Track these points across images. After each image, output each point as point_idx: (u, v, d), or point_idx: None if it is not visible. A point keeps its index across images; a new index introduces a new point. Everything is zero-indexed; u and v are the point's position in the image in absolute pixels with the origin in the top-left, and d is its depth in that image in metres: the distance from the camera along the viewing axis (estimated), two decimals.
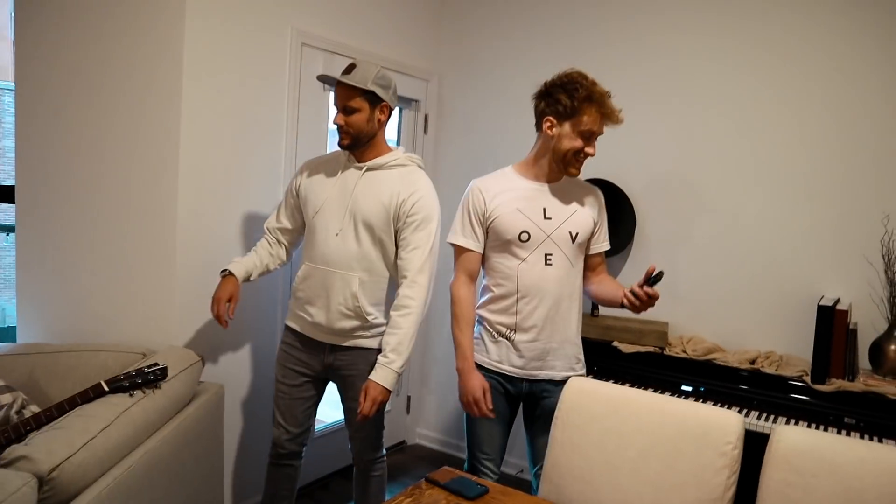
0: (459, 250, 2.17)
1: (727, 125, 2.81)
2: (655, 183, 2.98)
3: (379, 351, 2.12)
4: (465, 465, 2.25)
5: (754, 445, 1.73)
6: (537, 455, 2.20)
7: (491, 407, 2.10)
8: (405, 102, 3.45)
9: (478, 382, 2.10)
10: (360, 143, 2.13)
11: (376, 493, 2.39)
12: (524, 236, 2.09)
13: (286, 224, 2.31)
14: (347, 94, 2.06)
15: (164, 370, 1.97)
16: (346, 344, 2.19)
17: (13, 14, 2.46)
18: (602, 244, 2.27)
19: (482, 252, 2.17)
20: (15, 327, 2.62)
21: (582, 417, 1.77)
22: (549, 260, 2.11)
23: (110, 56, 2.38)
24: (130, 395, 1.88)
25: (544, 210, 2.12)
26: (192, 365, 2.18)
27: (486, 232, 2.14)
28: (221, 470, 2.37)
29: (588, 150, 2.06)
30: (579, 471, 1.73)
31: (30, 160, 2.49)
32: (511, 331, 2.13)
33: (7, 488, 1.34)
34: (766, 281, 2.76)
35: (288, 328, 2.29)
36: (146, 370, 1.93)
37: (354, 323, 2.16)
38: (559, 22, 3.21)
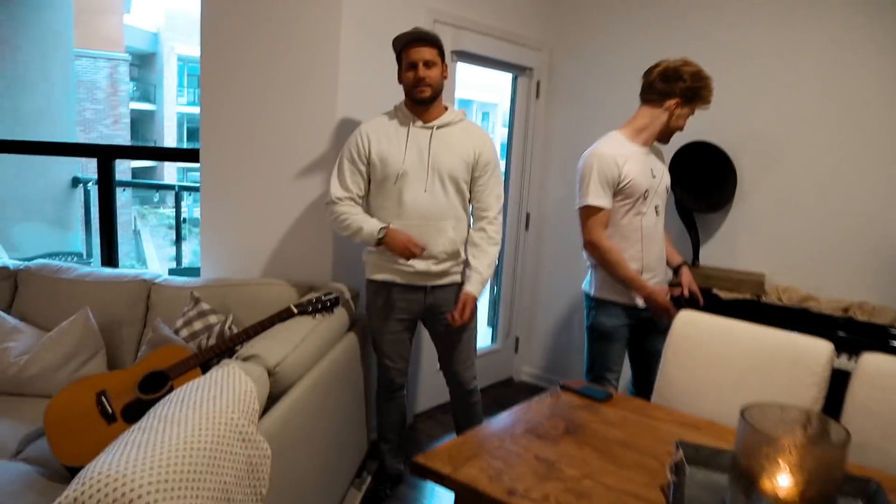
0: (595, 210, 2.47)
1: (823, 90, 2.99)
2: (755, 144, 3.19)
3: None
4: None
5: (844, 384, 1.93)
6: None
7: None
8: (519, 70, 3.76)
9: (661, 289, 2.54)
10: (434, 97, 2.39)
11: (478, 417, 2.72)
12: (647, 193, 2.48)
13: (356, 191, 2.45)
14: (428, 49, 2.35)
15: (337, 299, 2.42)
16: (443, 282, 2.52)
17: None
18: None
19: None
20: (193, 267, 3.13)
21: (689, 343, 2.10)
22: (658, 211, 2.54)
23: (279, 40, 2.81)
24: (314, 317, 2.34)
25: (651, 170, 2.51)
26: (352, 297, 2.63)
27: (616, 193, 2.47)
28: (367, 382, 2.82)
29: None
30: (686, 386, 2.06)
31: (212, 127, 2.97)
32: (639, 272, 2.51)
33: (253, 373, 1.81)
34: (859, 235, 2.96)
35: (379, 282, 2.51)
36: (324, 298, 2.38)
37: (450, 263, 2.50)
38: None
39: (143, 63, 19.19)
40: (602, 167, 2.44)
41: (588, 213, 2.49)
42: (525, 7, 3.66)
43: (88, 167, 6.57)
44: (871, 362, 1.83)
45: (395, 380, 2.66)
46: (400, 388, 2.71)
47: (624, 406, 1.93)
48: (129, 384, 2.13)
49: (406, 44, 2.36)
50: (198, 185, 3.11)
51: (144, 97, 19.16)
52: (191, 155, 3.11)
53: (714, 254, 3.34)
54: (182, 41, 19.70)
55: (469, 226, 2.55)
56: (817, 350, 1.92)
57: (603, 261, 2.50)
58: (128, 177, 14.82)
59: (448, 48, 2.91)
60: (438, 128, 2.44)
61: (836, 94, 2.97)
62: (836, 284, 3.01)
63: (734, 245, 3.29)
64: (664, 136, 2.53)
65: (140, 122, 18.70)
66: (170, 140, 19.63)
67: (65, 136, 5.32)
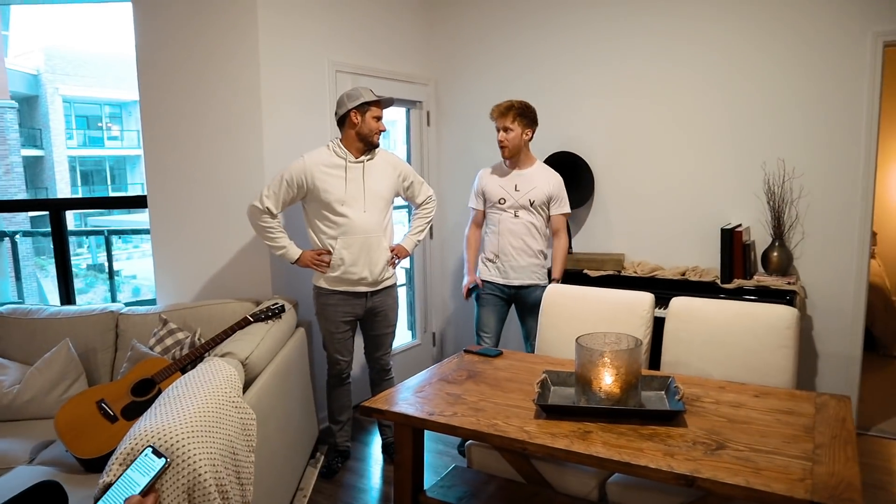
0: (471, 210, 3.43)
1: (652, 100, 3.83)
2: (606, 151, 3.99)
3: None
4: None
5: None
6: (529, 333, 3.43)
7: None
8: (411, 104, 4.44)
9: (470, 279, 3.48)
10: None
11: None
12: (503, 201, 3.33)
13: (278, 207, 3.07)
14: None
15: (283, 307, 2.99)
16: (380, 287, 3.19)
17: (136, 42, 3.38)
18: (559, 209, 3.47)
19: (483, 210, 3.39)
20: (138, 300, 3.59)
21: (556, 307, 2.82)
22: (518, 214, 3.36)
23: (208, 89, 3.36)
24: (266, 322, 2.91)
25: (515, 185, 3.34)
26: (294, 305, 3.22)
27: (482, 199, 3.39)
28: (312, 374, 3.42)
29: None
30: (557, 339, 2.78)
31: (156, 173, 3.47)
32: (496, 255, 3.39)
33: (230, 364, 2.37)
34: (690, 216, 3.80)
35: (329, 290, 3.11)
36: (273, 307, 2.95)
37: (386, 271, 3.19)
38: (530, 30, 4.20)
39: (26, 106, 18.55)
40: (476, 181, 3.43)
41: (470, 211, 3.46)
42: (412, 50, 4.35)
43: (12, 220, 6.78)
44: (676, 304, 2.60)
45: (343, 369, 3.27)
46: (347, 378, 3.32)
47: (511, 358, 2.62)
48: (123, 391, 2.64)
49: (381, 104, 3.07)
50: (120, 228, 3.57)
51: (31, 142, 18.48)
52: (138, 201, 3.58)
53: (583, 241, 4.13)
54: (65, 81, 19.21)
55: (393, 234, 3.28)
56: (642, 300, 2.68)
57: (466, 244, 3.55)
58: (27, 227, 14.49)
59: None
60: (368, 161, 3.11)
61: (663, 101, 3.81)
62: (675, 254, 3.84)
63: (597, 232, 4.09)
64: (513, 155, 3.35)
65: (29, 168, 18.04)
66: (62, 185, 19.03)
67: None
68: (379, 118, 3.08)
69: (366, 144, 3.07)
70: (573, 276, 3.80)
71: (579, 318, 2.76)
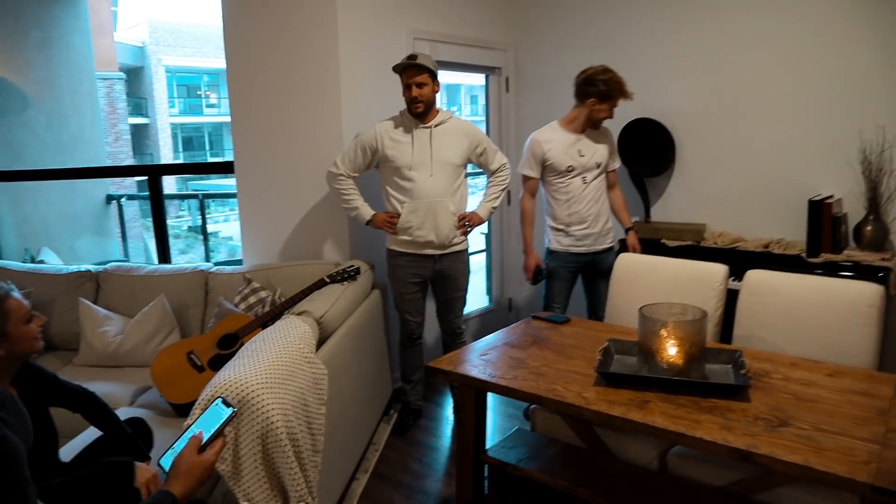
0: (524, 178, 3.40)
1: (737, 69, 3.66)
2: (686, 117, 3.86)
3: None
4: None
5: None
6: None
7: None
8: (489, 70, 4.42)
9: (532, 257, 3.41)
10: (427, 110, 3.09)
11: None
12: (571, 168, 3.27)
13: (353, 171, 3.21)
14: (419, 74, 3.01)
15: (358, 269, 3.11)
16: (448, 251, 3.23)
17: (223, 13, 3.53)
18: (615, 164, 3.48)
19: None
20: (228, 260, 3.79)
21: (627, 277, 2.80)
22: (586, 180, 3.31)
23: (290, 61, 3.48)
24: (342, 284, 3.03)
25: (579, 151, 3.28)
26: (370, 268, 3.34)
27: (544, 167, 3.33)
28: (388, 335, 3.55)
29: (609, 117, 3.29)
30: (626, 309, 2.76)
31: (242, 140, 3.64)
32: (570, 225, 3.35)
33: (306, 322, 2.50)
34: (776, 185, 3.63)
35: (397, 252, 3.21)
36: (349, 269, 3.07)
37: (453, 235, 3.21)
38: None
39: (132, 77, 19.72)
40: (533, 148, 3.33)
41: (522, 179, 3.42)
42: (490, 16, 4.32)
43: (121, 185, 7.28)
44: (752, 276, 2.52)
45: (414, 330, 3.37)
46: (418, 338, 3.42)
47: (578, 325, 2.63)
48: (210, 343, 2.83)
49: (402, 70, 3.05)
50: (212, 192, 3.77)
51: (137, 111, 19.69)
52: (227, 166, 3.77)
53: (662, 210, 4.03)
54: (168, 52, 20.29)
55: (467, 201, 3.32)
56: (715, 271, 2.61)
57: (521, 216, 3.44)
58: (133, 191, 15.46)
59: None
60: (436, 126, 3.15)
61: (754, 63, 3.62)
62: (759, 227, 3.70)
63: (677, 201, 3.98)
64: (591, 124, 3.31)
65: (135, 136, 19.25)
66: (166, 151, 20.23)
67: (98, 158, 6.00)
68: (408, 86, 3.05)
69: (410, 114, 3.13)
70: (650, 245, 3.72)
71: (650, 288, 2.72)
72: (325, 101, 3.46)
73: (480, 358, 2.26)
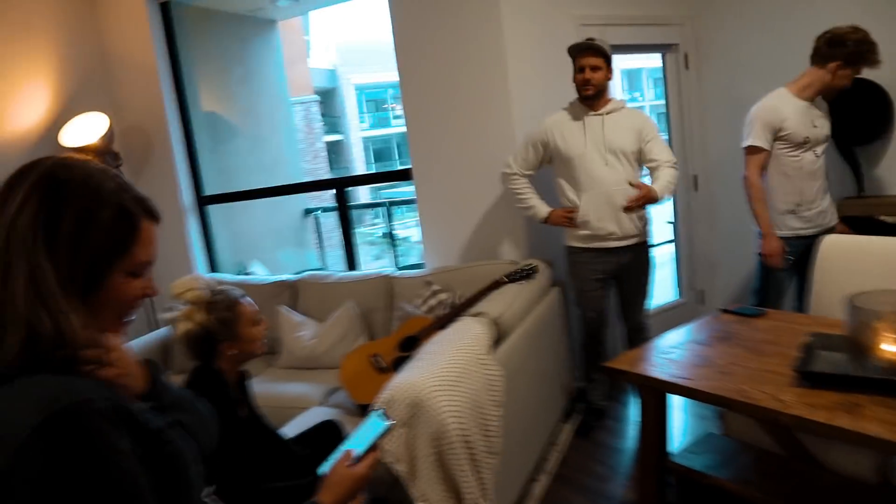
0: (754, 150, 2.98)
1: None
2: None
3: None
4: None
5: None
6: None
7: None
8: (665, 48, 4.16)
9: (777, 241, 3.01)
10: (597, 94, 2.99)
11: None
12: (807, 140, 2.93)
13: (526, 169, 3.19)
14: (594, 57, 2.94)
15: (535, 268, 3.06)
16: (629, 243, 3.08)
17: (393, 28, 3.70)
18: None
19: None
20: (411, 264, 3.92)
21: (834, 261, 2.47)
22: (817, 153, 2.98)
23: (457, 65, 3.53)
24: (519, 283, 3.01)
25: (812, 121, 2.94)
26: (547, 266, 3.28)
27: (777, 139, 2.97)
28: (569, 333, 3.46)
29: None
30: (833, 298, 2.43)
31: (418, 149, 3.76)
32: (798, 205, 3.00)
33: (481, 323, 2.51)
34: None
35: (579, 248, 3.13)
36: (526, 268, 3.04)
37: (632, 225, 3.07)
38: None
39: (326, 98, 21.37)
40: (766, 117, 2.95)
41: (749, 151, 3.01)
42: None
43: (320, 198, 7.94)
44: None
45: (596, 328, 3.26)
46: (601, 336, 3.30)
47: (775, 318, 2.37)
48: (392, 346, 2.95)
49: (577, 52, 2.99)
50: (397, 199, 3.90)
51: (331, 129, 21.34)
52: (403, 174, 3.91)
53: (876, 182, 3.52)
54: (355, 71, 21.76)
55: None
56: None
57: (748, 194, 3.02)
58: (330, 204, 16.72)
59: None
60: (607, 114, 3.04)
61: None
62: None
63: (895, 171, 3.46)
64: (827, 92, 2.95)
65: (331, 152, 20.85)
66: (359, 164, 21.72)
67: (295, 175, 6.55)
68: (580, 69, 2.98)
69: (581, 98, 3.05)
70: (861, 222, 3.27)
71: (862, 273, 2.38)
72: (495, 100, 3.47)
73: (661, 356, 2.11)
